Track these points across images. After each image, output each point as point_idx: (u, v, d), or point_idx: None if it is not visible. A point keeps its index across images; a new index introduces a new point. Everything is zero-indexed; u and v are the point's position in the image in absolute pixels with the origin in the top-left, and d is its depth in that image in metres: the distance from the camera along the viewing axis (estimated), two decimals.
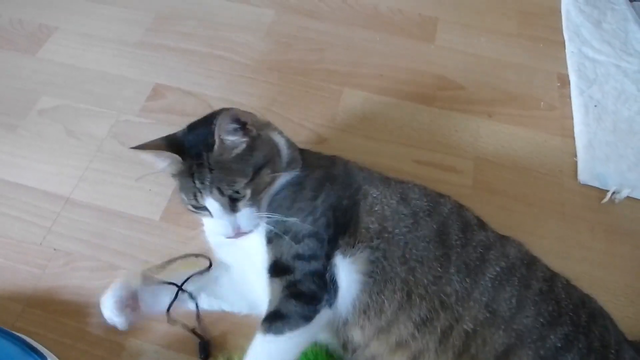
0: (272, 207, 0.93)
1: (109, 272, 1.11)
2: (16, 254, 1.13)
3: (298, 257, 0.89)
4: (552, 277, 0.91)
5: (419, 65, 1.55)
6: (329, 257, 0.90)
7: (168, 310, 1.00)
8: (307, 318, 0.84)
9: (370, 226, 0.92)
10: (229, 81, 1.47)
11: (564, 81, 1.53)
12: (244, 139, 0.89)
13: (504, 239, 0.95)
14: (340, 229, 0.92)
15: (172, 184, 1.20)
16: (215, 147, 0.86)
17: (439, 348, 0.84)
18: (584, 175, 1.31)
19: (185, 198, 0.91)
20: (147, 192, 1.22)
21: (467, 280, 0.86)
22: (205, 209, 0.89)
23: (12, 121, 1.35)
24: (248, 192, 0.88)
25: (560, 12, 1.74)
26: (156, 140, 0.94)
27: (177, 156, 0.88)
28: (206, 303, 1.04)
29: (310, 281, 0.86)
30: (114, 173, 1.26)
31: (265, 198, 0.93)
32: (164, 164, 0.91)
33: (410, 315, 0.85)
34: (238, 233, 0.90)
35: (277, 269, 0.89)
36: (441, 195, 1.00)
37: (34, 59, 1.51)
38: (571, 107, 1.46)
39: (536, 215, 1.25)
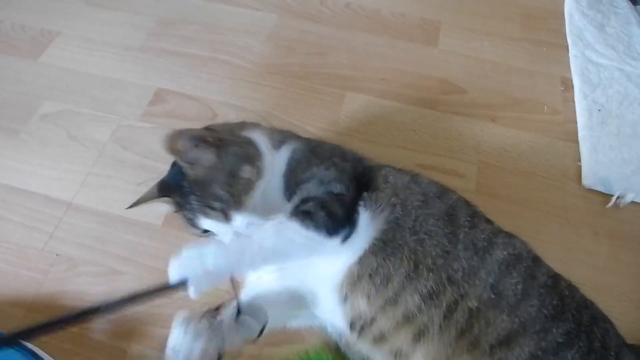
0: (288, 171, 0.95)
1: (111, 277, 1.11)
2: (18, 260, 1.13)
3: (327, 193, 0.89)
4: (555, 275, 0.91)
5: (422, 69, 1.55)
6: (354, 203, 0.91)
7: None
8: (331, 232, 0.85)
9: (386, 190, 0.93)
10: (231, 85, 1.46)
11: (568, 85, 1.53)
12: (208, 150, 0.91)
13: (509, 233, 0.96)
14: (362, 185, 0.94)
15: None
16: (185, 170, 0.90)
17: (443, 323, 0.84)
18: (588, 179, 1.30)
19: (192, 229, 0.95)
20: None
21: (475, 258, 0.87)
22: (210, 231, 0.93)
23: (14, 126, 1.35)
24: (229, 196, 0.90)
25: (563, 15, 1.73)
26: (149, 190, 1.00)
27: (165, 198, 0.95)
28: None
29: (339, 206, 0.87)
30: (116, 178, 1.26)
31: (255, 195, 0.93)
32: (164, 207, 0.98)
33: (417, 286, 0.85)
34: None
35: (305, 201, 0.88)
36: (448, 188, 1.01)
37: (36, 63, 1.51)
38: (575, 111, 1.46)
39: (539, 219, 1.24)
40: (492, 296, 0.84)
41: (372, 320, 0.88)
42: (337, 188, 0.90)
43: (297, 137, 1.06)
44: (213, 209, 0.90)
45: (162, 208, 0.99)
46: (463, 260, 0.87)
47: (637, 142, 1.38)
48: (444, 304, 0.84)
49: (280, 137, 1.03)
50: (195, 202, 0.91)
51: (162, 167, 1.21)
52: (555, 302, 0.85)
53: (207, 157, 0.91)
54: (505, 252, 0.89)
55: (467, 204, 0.98)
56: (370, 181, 0.96)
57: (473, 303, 0.84)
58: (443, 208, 0.93)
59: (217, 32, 1.62)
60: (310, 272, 0.95)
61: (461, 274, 0.86)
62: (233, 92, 1.43)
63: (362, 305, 0.89)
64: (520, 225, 1.20)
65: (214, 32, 1.62)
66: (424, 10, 1.73)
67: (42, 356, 0.95)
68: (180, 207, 0.94)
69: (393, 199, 0.92)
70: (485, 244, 0.89)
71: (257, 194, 0.93)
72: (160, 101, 1.43)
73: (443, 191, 0.98)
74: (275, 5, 1.72)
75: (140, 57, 1.54)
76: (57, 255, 1.13)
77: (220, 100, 1.42)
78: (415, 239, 0.88)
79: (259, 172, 0.94)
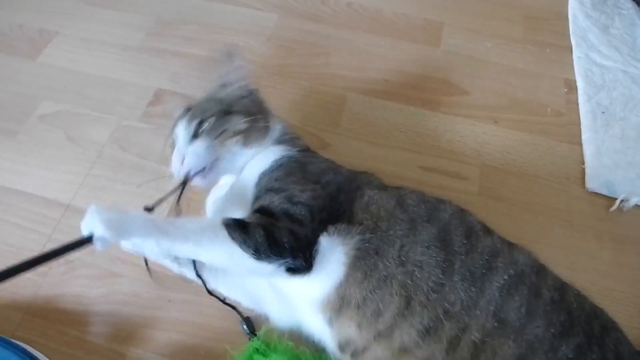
0: (268, 171, 0.95)
1: (109, 280, 1.10)
2: (16, 262, 1.11)
3: (286, 214, 0.87)
4: (562, 286, 0.88)
5: (424, 70, 1.54)
6: (315, 234, 0.88)
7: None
8: (258, 256, 0.82)
9: (364, 222, 0.90)
10: None
11: (571, 87, 1.52)
12: (244, 83, 1.06)
13: (511, 245, 0.92)
14: (333, 218, 0.90)
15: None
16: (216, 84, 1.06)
17: (446, 358, 0.81)
18: (592, 182, 1.29)
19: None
20: (148, 198, 1.20)
21: (473, 288, 0.83)
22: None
23: (12, 127, 1.34)
24: (210, 123, 0.98)
25: (567, 17, 1.72)
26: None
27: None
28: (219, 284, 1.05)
29: (287, 237, 0.83)
30: (114, 179, 1.24)
31: (228, 148, 0.98)
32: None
33: (412, 323, 0.82)
34: (186, 174, 0.94)
35: (263, 211, 0.88)
36: (441, 201, 0.97)
37: (34, 64, 1.50)
38: (578, 113, 1.45)
39: (543, 223, 1.23)
40: (496, 325, 0.81)
41: (365, 348, 0.85)
42: (300, 214, 0.88)
43: (300, 149, 1.04)
44: (190, 122, 0.98)
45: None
46: (460, 292, 0.83)
47: None
48: (444, 340, 0.81)
49: (287, 136, 1.04)
50: (189, 111, 1.00)
51: (161, 168, 1.21)
52: (562, 318, 0.82)
53: (236, 89, 1.04)
54: (506, 276, 0.85)
55: (462, 219, 0.93)
56: (345, 213, 0.92)
57: (476, 336, 0.80)
58: (434, 233, 0.89)
59: (217, 32, 1.61)
60: (286, 286, 0.94)
61: (459, 307, 0.82)
62: None
63: (351, 332, 0.87)
64: (523, 228, 1.21)
65: (214, 32, 1.61)
66: (426, 10, 1.72)
67: (38, 357, 0.94)
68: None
69: (369, 229, 0.89)
70: (484, 271, 0.85)
71: (233, 154, 0.99)
72: (160, 101, 1.41)
73: (433, 211, 0.93)
74: (276, 5, 1.71)
75: (140, 57, 1.52)
76: None
77: None
78: (404, 271, 0.85)
79: (247, 140, 0.99)
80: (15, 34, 1.59)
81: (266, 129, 1.03)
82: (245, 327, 1.01)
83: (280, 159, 0.98)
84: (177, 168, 0.95)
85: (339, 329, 0.88)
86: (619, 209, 1.25)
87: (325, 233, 0.89)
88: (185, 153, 0.96)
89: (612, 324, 0.88)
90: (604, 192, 1.28)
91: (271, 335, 0.98)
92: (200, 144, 0.96)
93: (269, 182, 0.94)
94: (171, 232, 0.80)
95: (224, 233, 0.82)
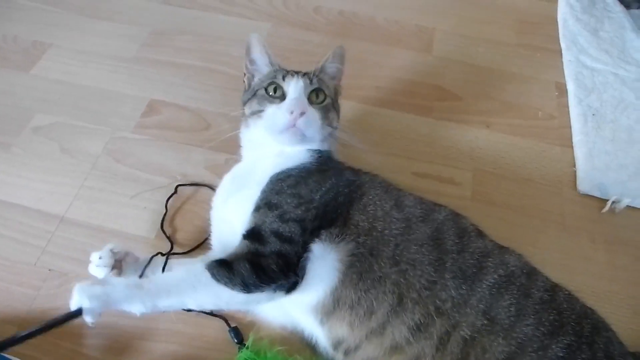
0: (276, 185, 0.98)
1: None
2: (10, 275, 1.11)
3: (276, 234, 0.89)
4: (553, 287, 0.90)
5: (417, 76, 1.55)
6: (305, 245, 0.90)
7: (141, 276, 1.02)
8: (247, 289, 0.85)
9: (360, 224, 0.92)
10: (225, 95, 1.46)
11: (562, 90, 1.53)
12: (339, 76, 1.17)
13: (502, 248, 0.94)
14: (327, 223, 0.93)
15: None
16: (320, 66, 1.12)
17: (436, 355, 0.83)
18: (584, 185, 1.30)
19: (259, 92, 1.07)
20: (142, 209, 1.21)
21: (464, 286, 0.85)
22: (277, 96, 1.04)
23: (6, 139, 1.34)
24: (325, 100, 1.07)
25: (557, 21, 1.74)
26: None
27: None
28: None
29: (275, 262, 0.86)
30: (108, 191, 1.25)
31: (326, 123, 1.05)
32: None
33: (404, 319, 0.84)
34: (296, 125, 0.99)
35: (252, 235, 0.91)
36: (437, 205, 0.99)
37: (28, 76, 1.50)
38: (569, 116, 1.46)
39: (536, 226, 1.24)
40: (486, 322, 0.82)
41: (357, 347, 0.87)
42: (290, 231, 0.90)
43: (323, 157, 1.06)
44: (311, 82, 1.06)
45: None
46: (451, 289, 0.85)
47: (633, 146, 1.37)
48: (435, 335, 0.83)
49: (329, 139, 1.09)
50: (301, 74, 1.07)
51: (155, 179, 1.21)
52: (552, 317, 0.84)
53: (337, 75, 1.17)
54: (496, 275, 0.87)
55: (456, 221, 0.96)
56: (342, 215, 0.94)
57: (466, 332, 0.82)
58: (428, 232, 0.91)
59: (211, 42, 1.61)
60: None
61: (450, 304, 0.84)
62: (227, 102, 1.42)
63: (344, 331, 0.88)
64: (517, 232, 1.21)
65: (207, 42, 1.61)
66: (418, 17, 1.73)
67: None
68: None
69: (364, 231, 0.91)
70: (475, 270, 0.87)
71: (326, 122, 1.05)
72: (154, 112, 1.42)
73: (428, 212, 0.96)
74: (269, 14, 1.72)
75: (134, 68, 1.53)
76: (50, 270, 1.12)
77: (214, 111, 1.41)
78: (397, 270, 0.87)
79: (334, 119, 1.09)
80: (9, 45, 1.59)
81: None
82: (233, 336, 1.01)
83: (295, 167, 1.00)
84: (294, 110, 0.99)
85: (330, 329, 0.90)
86: (611, 210, 1.26)
87: (317, 240, 0.91)
88: (304, 108, 1.00)
89: (603, 325, 0.89)
90: (596, 194, 1.28)
91: (260, 343, 0.99)
92: (315, 112, 1.03)
93: (270, 194, 0.95)
94: (153, 290, 0.85)
95: (206, 276, 0.86)
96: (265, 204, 0.94)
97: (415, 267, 0.87)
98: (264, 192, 0.96)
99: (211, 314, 1.04)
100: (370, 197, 0.97)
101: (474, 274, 0.87)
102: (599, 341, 0.84)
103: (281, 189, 0.96)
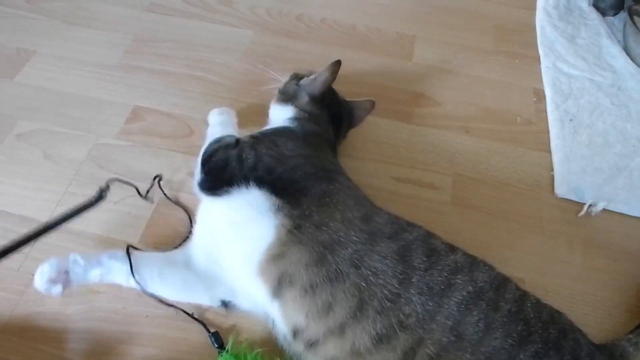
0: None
1: (88, 297, 1.10)
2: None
3: (240, 149, 1.07)
4: (521, 297, 0.90)
5: (397, 82, 1.57)
6: (246, 179, 1.00)
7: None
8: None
9: (307, 212, 0.95)
10: (208, 102, 1.46)
11: (540, 96, 1.56)
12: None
13: (473, 263, 0.93)
14: (277, 191, 0.98)
15: (150, 207, 1.20)
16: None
17: None
18: (561, 188, 1.32)
19: None
20: (126, 215, 1.22)
21: (430, 303, 0.85)
22: None
23: None
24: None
25: (535, 28, 1.77)
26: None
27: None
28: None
29: (219, 157, 1.07)
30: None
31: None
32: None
33: (365, 327, 0.84)
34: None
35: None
36: (411, 224, 0.99)
37: (11, 83, 1.50)
38: (547, 121, 1.48)
39: (515, 230, 1.26)
40: (453, 339, 0.82)
41: (317, 342, 0.87)
42: (248, 154, 1.04)
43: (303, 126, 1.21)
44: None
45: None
46: (417, 305, 0.84)
47: (608, 150, 1.40)
48: (399, 350, 0.82)
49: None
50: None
51: (139, 185, 1.22)
52: (520, 328, 0.84)
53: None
54: (465, 292, 0.86)
55: (427, 241, 0.95)
56: (295, 193, 0.98)
57: (431, 350, 0.81)
58: (394, 248, 0.91)
59: (194, 49, 1.63)
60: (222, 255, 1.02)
61: (414, 319, 0.83)
62: (210, 108, 1.42)
63: (300, 320, 0.88)
64: (496, 236, 1.23)
65: (190, 49, 1.63)
66: (399, 24, 1.76)
67: None
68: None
69: (308, 219, 0.94)
70: (443, 287, 0.87)
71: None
72: (137, 119, 1.43)
73: (398, 231, 0.95)
74: (252, 22, 1.74)
75: (117, 75, 1.54)
76: (33, 275, 1.11)
77: (197, 117, 1.42)
78: (357, 273, 0.87)
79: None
80: None
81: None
82: (213, 341, 1.02)
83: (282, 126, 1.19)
84: None
85: (285, 311, 0.90)
86: (588, 213, 1.28)
87: (263, 189, 0.97)
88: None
89: (570, 326, 0.91)
90: (573, 197, 1.31)
91: (239, 346, 1.00)
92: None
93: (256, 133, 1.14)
94: None
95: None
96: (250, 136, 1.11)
97: (377, 275, 0.87)
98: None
99: (192, 316, 1.05)
100: (339, 188, 1.01)
101: (441, 291, 0.86)
102: (566, 345, 0.86)
103: (265, 132, 1.15)
